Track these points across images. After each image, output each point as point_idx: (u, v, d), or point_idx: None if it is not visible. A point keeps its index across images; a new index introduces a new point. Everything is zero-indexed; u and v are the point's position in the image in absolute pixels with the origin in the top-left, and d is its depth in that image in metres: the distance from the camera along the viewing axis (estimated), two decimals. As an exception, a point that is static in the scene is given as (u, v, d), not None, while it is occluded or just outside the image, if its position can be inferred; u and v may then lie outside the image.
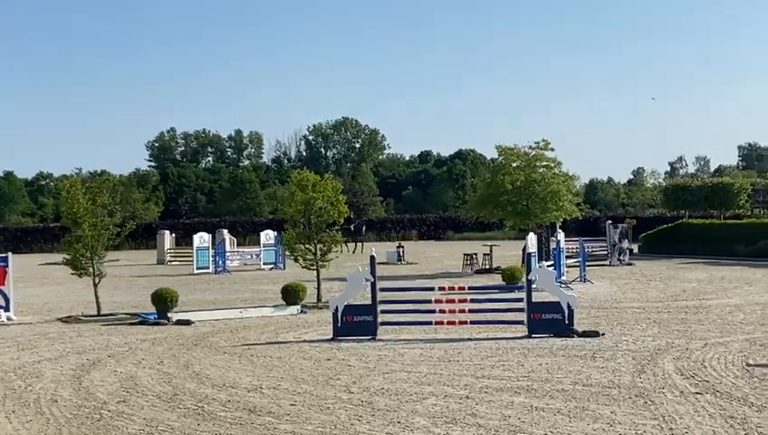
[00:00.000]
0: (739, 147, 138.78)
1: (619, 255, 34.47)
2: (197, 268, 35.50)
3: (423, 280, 27.76)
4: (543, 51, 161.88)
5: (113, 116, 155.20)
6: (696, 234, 41.17)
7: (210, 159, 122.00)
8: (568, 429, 8.47)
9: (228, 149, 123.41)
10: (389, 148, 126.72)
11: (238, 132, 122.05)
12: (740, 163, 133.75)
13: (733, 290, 23.12)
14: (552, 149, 32.90)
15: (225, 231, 42.17)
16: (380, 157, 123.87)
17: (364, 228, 54.09)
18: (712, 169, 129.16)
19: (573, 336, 14.56)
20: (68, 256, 19.96)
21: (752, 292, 22.54)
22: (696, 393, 9.96)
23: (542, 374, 11.38)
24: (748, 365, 11.74)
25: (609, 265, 33.49)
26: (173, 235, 49.41)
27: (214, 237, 38.82)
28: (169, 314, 18.12)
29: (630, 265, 33.59)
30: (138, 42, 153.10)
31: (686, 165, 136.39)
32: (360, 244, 50.34)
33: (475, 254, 34.11)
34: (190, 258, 37.64)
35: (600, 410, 9.24)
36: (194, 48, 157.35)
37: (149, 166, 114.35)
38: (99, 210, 19.70)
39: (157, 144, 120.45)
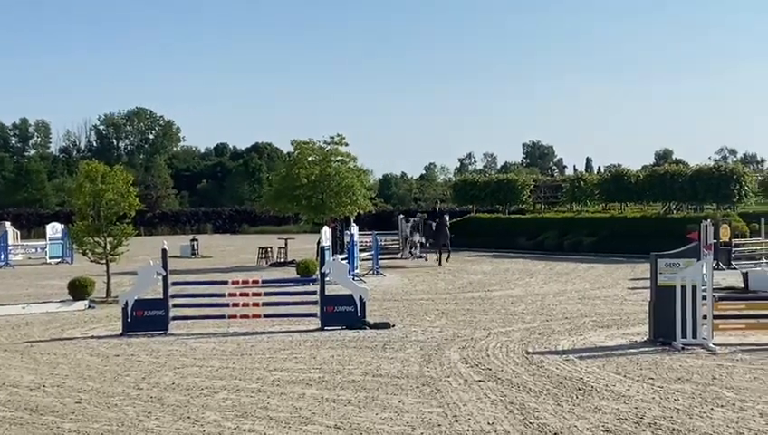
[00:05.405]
0: (523, 144, 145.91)
1: (411, 248, 35.32)
2: (-23, 263, 33.63)
3: (217, 274, 27.49)
4: (338, 49, 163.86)
5: None
6: (483, 228, 42.92)
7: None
8: (358, 419, 8.65)
9: (12, 138, 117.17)
10: (185, 140, 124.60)
11: (24, 121, 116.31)
12: (524, 160, 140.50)
13: (515, 281, 24.26)
14: (347, 144, 33.46)
15: (8, 223, 40.07)
16: (175, 149, 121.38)
17: (447, 217, 33.28)
18: (499, 166, 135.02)
19: (365, 328, 14.85)
20: None
21: (532, 283, 23.74)
22: (480, 381, 10.39)
23: (333, 366, 11.55)
24: (528, 353, 12.37)
25: (401, 258, 34.28)
26: (-51, 227, 46.56)
27: (-5, 230, 36.85)
28: (-56, 312, 17.09)
29: (421, 257, 34.51)
30: None
31: (475, 161, 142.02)
32: (447, 250, 32.48)
33: (270, 247, 34.13)
34: (-32, 252, 35.60)
35: (388, 399, 9.48)
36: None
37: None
38: None
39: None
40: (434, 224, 32.68)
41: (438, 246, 32.21)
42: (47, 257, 36.46)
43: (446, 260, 31.58)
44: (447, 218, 32.68)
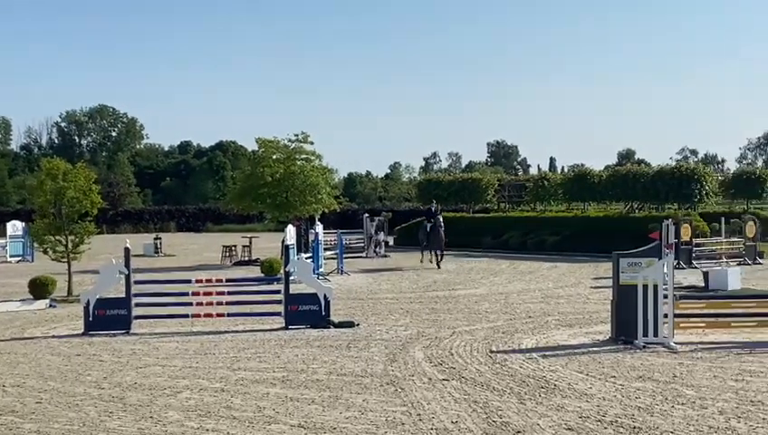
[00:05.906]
0: (488, 144, 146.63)
1: (376, 247, 35.36)
2: (-65, 261, 33.18)
3: (181, 272, 27.26)
4: (303, 47, 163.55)
5: None
6: (448, 227, 42.73)
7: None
8: (321, 418, 8.64)
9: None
10: (148, 137, 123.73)
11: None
12: (488, 160, 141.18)
13: (480, 280, 24.35)
14: (312, 143, 33.31)
15: (-32, 221, 39.69)
16: (138, 146, 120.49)
17: (441, 218, 30.57)
18: (463, 165, 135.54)
19: (329, 327, 14.84)
20: None
21: (496, 282, 23.84)
22: (444, 380, 10.42)
23: (297, 365, 11.53)
24: (491, 352, 12.43)
25: (366, 256, 34.30)
26: None
27: (-46, 228, 36.42)
28: None
29: (386, 256, 34.55)
30: None
31: (440, 160, 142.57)
32: (439, 253, 29.85)
33: (235, 246, 33.98)
34: (-74, 250, 35.13)
35: (353, 398, 9.48)
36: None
37: None
38: None
39: None
40: (428, 225, 30.40)
41: (432, 249, 29.99)
42: (7, 256, 35.99)
43: (438, 265, 29.07)
44: (442, 220, 30.43)
